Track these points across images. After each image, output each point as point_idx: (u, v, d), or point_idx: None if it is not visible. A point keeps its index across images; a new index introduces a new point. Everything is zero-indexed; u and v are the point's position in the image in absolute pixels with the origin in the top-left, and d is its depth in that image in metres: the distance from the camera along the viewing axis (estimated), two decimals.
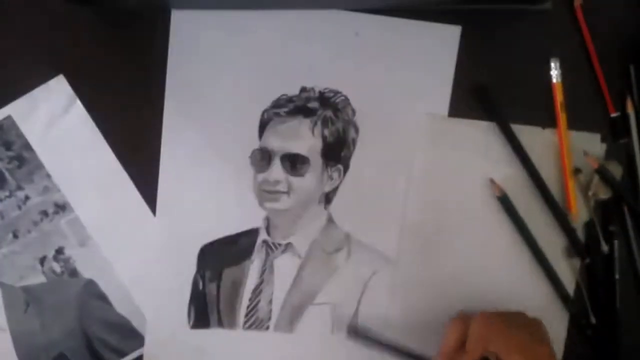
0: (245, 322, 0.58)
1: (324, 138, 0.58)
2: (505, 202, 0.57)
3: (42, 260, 0.58)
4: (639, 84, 0.58)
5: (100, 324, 0.58)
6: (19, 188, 0.58)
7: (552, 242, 0.58)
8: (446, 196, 0.58)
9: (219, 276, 0.58)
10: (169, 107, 0.58)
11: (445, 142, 0.58)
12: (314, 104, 0.58)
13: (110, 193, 0.58)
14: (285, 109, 0.57)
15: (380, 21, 0.57)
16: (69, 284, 0.58)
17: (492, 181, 0.57)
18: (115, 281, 0.58)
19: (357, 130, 0.58)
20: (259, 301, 0.58)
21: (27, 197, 0.58)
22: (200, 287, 0.58)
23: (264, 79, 0.58)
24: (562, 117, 0.57)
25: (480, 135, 0.58)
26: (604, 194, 0.58)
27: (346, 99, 0.58)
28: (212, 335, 0.58)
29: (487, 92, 0.58)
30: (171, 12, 0.58)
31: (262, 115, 0.58)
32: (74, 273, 0.58)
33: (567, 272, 0.58)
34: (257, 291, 0.58)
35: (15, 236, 0.58)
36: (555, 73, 0.57)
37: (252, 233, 0.58)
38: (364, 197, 0.58)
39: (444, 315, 0.53)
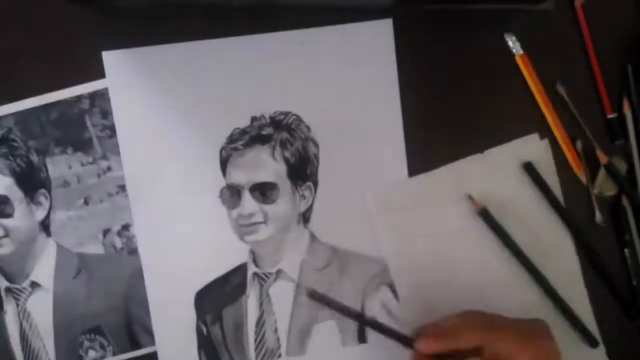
0: (257, 356, 0.58)
1: (286, 160, 0.57)
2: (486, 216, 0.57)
3: (106, 232, 0.58)
4: (636, 84, 0.57)
5: (144, 307, 0.58)
6: (104, 157, 0.57)
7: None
8: (434, 240, 0.58)
9: (220, 317, 0.58)
10: (127, 169, 0.57)
11: (411, 204, 0.58)
12: (267, 130, 0.57)
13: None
14: (242, 142, 0.57)
15: (319, 32, 0.57)
16: (125, 261, 0.58)
17: (470, 197, 0.57)
18: None
19: (316, 145, 0.58)
20: (264, 332, 0.58)
21: (108, 168, 0.57)
22: (205, 332, 0.58)
23: (213, 117, 0.57)
24: (537, 84, 0.56)
25: (444, 184, 0.58)
26: (610, 190, 0.58)
27: (298, 118, 0.57)
28: None
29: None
30: (102, 54, 0.56)
31: (220, 153, 0.57)
32: (133, 252, 0.58)
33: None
34: (260, 323, 0.58)
35: (86, 203, 0.57)
36: (515, 46, 0.57)
37: (241, 268, 0.58)
38: (340, 207, 0.58)
39: None
